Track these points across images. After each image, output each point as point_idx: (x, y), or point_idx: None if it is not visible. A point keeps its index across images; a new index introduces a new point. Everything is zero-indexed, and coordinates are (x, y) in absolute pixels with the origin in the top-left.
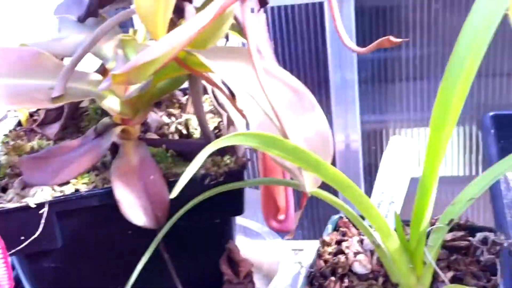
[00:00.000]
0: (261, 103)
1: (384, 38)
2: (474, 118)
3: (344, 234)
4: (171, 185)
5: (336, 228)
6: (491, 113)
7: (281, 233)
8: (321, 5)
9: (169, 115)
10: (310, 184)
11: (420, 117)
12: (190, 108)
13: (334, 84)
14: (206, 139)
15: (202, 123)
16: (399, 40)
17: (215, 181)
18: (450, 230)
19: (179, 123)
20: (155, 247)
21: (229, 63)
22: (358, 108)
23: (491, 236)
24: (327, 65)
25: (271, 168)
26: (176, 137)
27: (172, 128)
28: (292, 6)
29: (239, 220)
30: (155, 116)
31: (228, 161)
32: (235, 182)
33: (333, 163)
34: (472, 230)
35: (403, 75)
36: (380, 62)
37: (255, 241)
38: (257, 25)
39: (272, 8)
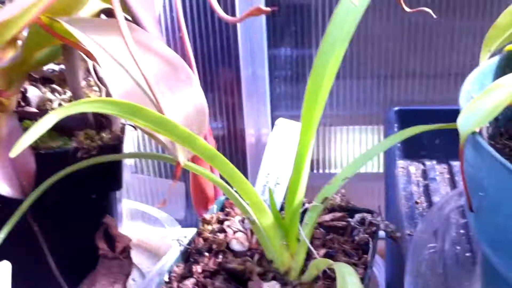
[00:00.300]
0: (133, 74)
1: (254, 7)
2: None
3: (227, 214)
4: (43, 157)
5: (222, 208)
6: (395, 108)
7: None
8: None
9: (53, 91)
10: (182, 155)
11: (329, 114)
12: None
13: (245, 79)
14: (82, 114)
15: (77, 97)
16: (268, 9)
17: (88, 154)
18: (331, 211)
19: (63, 100)
20: (20, 216)
21: (97, 32)
22: (269, 103)
23: (369, 217)
24: (238, 60)
25: (199, 158)
26: None
27: (55, 104)
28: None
29: (138, 206)
30: (36, 91)
31: (103, 135)
32: (107, 155)
33: (244, 156)
34: (353, 211)
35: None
36: (292, 59)
37: (154, 227)
38: (143, 2)
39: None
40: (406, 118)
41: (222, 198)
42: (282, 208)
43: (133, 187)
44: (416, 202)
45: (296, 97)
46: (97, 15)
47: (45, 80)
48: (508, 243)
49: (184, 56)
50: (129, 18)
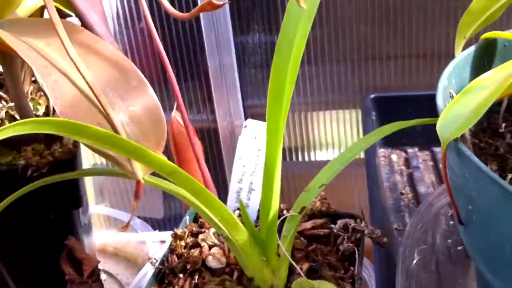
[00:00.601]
0: (77, 82)
1: (205, 1)
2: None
3: (202, 226)
4: None
5: (195, 219)
6: (372, 96)
7: None
8: None
9: (0, 98)
10: (141, 171)
11: (304, 101)
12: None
13: (212, 69)
14: None
15: (20, 105)
16: (220, 3)
17: (39, 172)
18: (311, 217)
19: (11, 108)
20: None
21: (34, 34)
22: (240, 92)
23: (352, 222)
24: (203, 49)
25: (185, 157)
26: (7, 123)
27: (2, 113)
28: None
29: (108, 211)
30: None
31: (54, 150)
32: (59, 174)
33: (219, 149)
34: (334, 217)
35: None
36: (261, 44)
37: (127, 234)
38: None
39: None
40: (383, 105)
41: None
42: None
43: (107, 188)
44: (401, 193)
45: (266, 84)
46: (40, 13)
47: None
48: (505, 263)
49: (154, 53)
50: (73, 15)
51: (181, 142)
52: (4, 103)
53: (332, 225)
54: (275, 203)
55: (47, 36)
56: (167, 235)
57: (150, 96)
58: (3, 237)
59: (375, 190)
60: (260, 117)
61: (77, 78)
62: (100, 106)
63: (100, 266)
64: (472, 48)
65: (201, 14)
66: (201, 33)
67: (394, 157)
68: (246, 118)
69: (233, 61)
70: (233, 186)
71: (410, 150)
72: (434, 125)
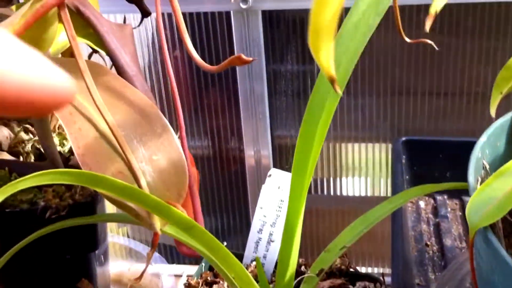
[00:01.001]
0: (100, 127)
1: (234, 56)
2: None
3: (216, 275)
4: (8, 216)
5: (211, 267)
6: (403, 138)
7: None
8: (228, 14)
9: (27, 130)
10: (159, 222)
11: (333, 134)
12: (54, 122)
13: (242, 97)
14: (50, 162)
15: (45, 144)
16: (250, 58)
17: (57, 214)
18: (330, 275)
19: (38, 141)
20: None
21: None
22: (269, 122)
23: (371, 286)
24: (235, 76)
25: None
26: (32, 156)
27: (28, 147)
28: (198, 14)
29: (127, 242)
30: (7, 132)
31: (74, 192)
32: (77, 218)
33: (244, 179)
34: (354, 277)
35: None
36: (293, 75)
37: (141, 265)
38: (121, 37)
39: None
40: (415, 149)
41: None
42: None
43: None
44: (426, 245)
45: (298, 114)
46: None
47: (20, 119)
48: None
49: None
50: (103, 54)
51: None
52: (31, 135)
53: (350, 286)
54: (293, 262)
55: (76, 78)
56: (182, 269)
57: (174, 145)
58: (17, 275)
59: (399, 238)
60: (288, 148)
61: (102, 124)
62: (122, 154)
63: None
64: (509, 115)
65: (234, 40)
66: (233, 54)
67: (421, 203)
68: (273, 149)
69: (264, 90)
70: (252, 236)
71: (439, 197)
72: (465, 173)
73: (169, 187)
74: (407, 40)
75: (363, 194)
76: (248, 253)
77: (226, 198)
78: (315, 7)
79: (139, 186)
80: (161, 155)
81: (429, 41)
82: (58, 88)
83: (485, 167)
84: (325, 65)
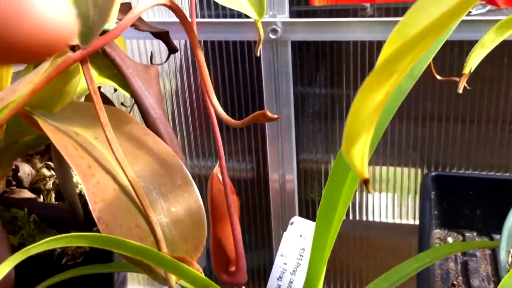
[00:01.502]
0: (120, 179)
1: (260, 112)
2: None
3: None
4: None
5: None
6: (433, 173)
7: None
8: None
9: (49, 168)
10: (173, 277)
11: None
12: None
13: (269, 122)
14: (69, 204)
15: (64, 186)
16: (275, 116)
17: (73, 261)
18: None
19: None
20: None
21: (80, 123)
22: (295, 145)
23: None
24: (262, 98)
25: (220, 214)
26: (53, 194)
27: (50, 184)
28: (227, 42)
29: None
30: (29, 169)
31: None
32: (91, 266)
33: (267, 203)
34: None
35: (344, 113)
36: (321, 98)
37: None
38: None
39: (207, 42)
40: (444, 184)
41: None
42: None
43: None
44: (453, 285)
45: (325, 138)
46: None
47: (44, 153)
48: None
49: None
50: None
51: (218, 200)
52: (53, 172)
53: None
54: None
55: (98, 126)
56: None
57: (194, 197)
58: None
59: (425, 276)
60: (313, 172)
61: (121, 176)
62: (141, 207)
63: None
64: None
65: (261, 60)
66: (261, 81)
67: (449, 240)
68: (298, 173)
69: (291, 113)
70: (271, 284)
71: (468, 234)
72: (496, 209)
73: (187, 239)
74: (438, 77)
75: (389, 220)
76: None
77: (249, 221)
78: (350, 116)
79: (156, 239)
80: (180, 207)
81: (457, 79)
82: (56, 27)
83: None
84: (359, 169)
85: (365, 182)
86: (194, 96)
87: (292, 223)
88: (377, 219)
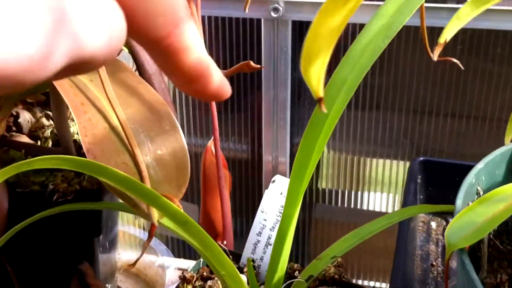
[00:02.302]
0: (111, 120)
1: (243, 62)
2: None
3: (212, 272)
4: (17, 196)
5: None
6: (420, 159)
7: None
8: (259, 21)
9: (48, 117)
10: (156, 214)
11: (352, 147)
12: None
13: (265, 103)
14: (64, 148)
15: (61, 131)
16: (258, 66)
17: (64, 198)
18: (322, 283)
19: None
20: None
21: None
22: (289, 129)
23: None
24: (260, 82)
25: (211, 186)
26: (50, 142)
27: (48, 132)
28: (230, 19)
29: (136, 232)
30: (29, 116)
31: (83, 178)
32: (80, 203)
33: (260, 184)
34: (346, 287)
35: None
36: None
37: (150, 256)
38: None
39: (209, 17)
40: (431, 171)
41: None
42: None
43: None
44: (432, 265)
45: None
46: None
47: (44, 104)
48: None
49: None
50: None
51: (210, 173)
52: (51, 121)
53: None
54: (283, 265)
55: (94, 72)
56: (188, 263)
57: (179, 142)
58: (21, 254)
59: (402, 255)
60: None
61: (112, 117)
62: (129, 146)
63: (119, 285)
64: (511, 145)
65: (262, 47)
66: (260, 61)
67: (433, 224)
68: (292, 156)
69: (287, 97)
70: (251, 237)
71: (451, 220)
72: None
73: (170, 181)
74: (434, 58)
75: (383, 209)
76: (246, 254)
77: (241, 200)
78: (309, 36)
79: (142, 177)
80: (166, 151)
81: (455, 60)
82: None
83: (479, 193)
84: (315, 87)
85: (319, 100)
86: None
87: (274, 181)
88: (371, 208)
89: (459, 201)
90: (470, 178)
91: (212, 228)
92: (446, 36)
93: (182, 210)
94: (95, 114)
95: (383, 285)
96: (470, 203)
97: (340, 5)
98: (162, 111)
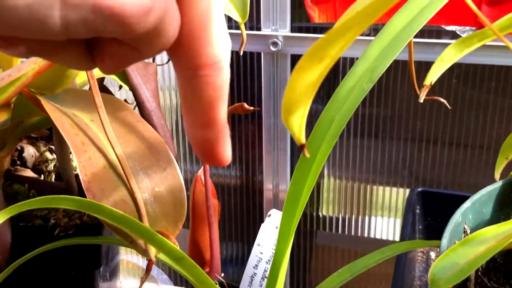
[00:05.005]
0: (109, 156)
1: (238, 104)
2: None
3: None
4: (20, 230)
5: None
6: (419, 189)
7: None
8: (259, 54)
9: (52, 151)
10: (153, 250)
11: (352, 175)
12: None
13: (266, 131)
14: (65, 183)
15: (63, 166)
16: (251, 108)
17: (65, 232)
18: None
19: None
20: None
21: (79, 107)
22: (289, 155)
23: None
24: (261, 108)
25: (200, 215)
26: (53, 175)
27: (51, 166)
28: (231, 52)
29: (137, 260)
30: (32, 151)
31: (83, 214)
32: (80, 238)
33: (261, 211)
34: None
35: (344, 130)
36: (317, 113)
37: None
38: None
39: None
40: (429, 201)
41: None
42: None
43: None
44: None
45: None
46: (100, 81)
47: (48, 139)
48: None
49: None
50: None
51: (199, 201)
52: (55, 156)
53: None
54: None
55: (95, 111)
56: None
57: (176, 179)
58: (22, 286)
59: (399, 286)
60: None
61: (112, 155)
62: (127, 184)
63: None
64: (498, 184)
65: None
66: (261, 91)
67: (432, 254)
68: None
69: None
70: (248, 270)
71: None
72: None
73: (167, 217)
74: (420, 100)
75: (384, 236)
76: (243, 286)
77: (242, 228)
78: (287, 89)
79: (140, 214)
80: (163, 187)
81: (442, 100)
82: None
83: (466, 232)
84: (296, 134)
85: (302, 146)
86: None
87: (270, 215)
88: (371, 235)
89: (444, 240)
90: (457, 217)
91: (200, 255)
92: (431, 78)
93: (178, 247)
94: (95, 153)
95: None
96: (457, 241)
97: (315, 62)
98: (160, 149)
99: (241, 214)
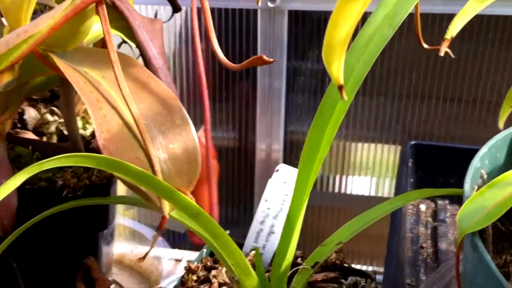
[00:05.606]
0: (124, 114)
1: (256, 56)
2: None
3: (216, 261)
4: (26, 192)
5: (212, 253)
6: (412, 142)
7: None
8: (255, 12)
9: (53, 113)
10: (167, 207)
11: (345, 132)
12: (79, 107)
13: (260, 91)
14: (72, 144)
15: (69, 127)
16: (271, 59)
17: (73, 193)
18: (324, 269)
19: (61, 123)
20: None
21: (92, 65)
22: (283, 117)
23: (362, 282)
24: (256, 71)
25: (200, 176)
26: (55, 137)
27: (52, 128)
28: (226, 10)
29: (133, 225)
30: (34, 113)
31: (92, 173)
32: (91, 198)
33: (252, 171)
34: (347, 271)
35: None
36: (312, 73)
37: (145, 247)
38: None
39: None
40: (422, 154)
41: None
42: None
43: None
44: (421, 247)
45: (313, 112)
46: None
47: (48, 101)
48: None
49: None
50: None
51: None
52: (56, 117)
53: (343, 280)
54: (291, 254)
55: (105, 68)
56: (183, 254)
57: (190, 136)
58: (28, 250)
59: (395, 238)
60: (299, 144)
61: (125, 112)
62: (142, 141)
63: (114, 277)
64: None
65: (258, 37)
66: (256, 50)
67: (422, 207)
68: (285, 144)
69: (282, 85)
70: (254, 226)
71: (440, 202)
72: None
73: (181, 175)
74: (425, 46)
75: (371, 193)
76: (249, 242)
77: (233, 188)
78: (330, 26)
79: (154, 171)
80: (177, 145)
81: (447, 50)
82: None
83: (483, 177)
84: (335, 75)
85: (340, 88)
86: (191, 65)
87: (278, 170)
88: (357, 193)
89: (467, 185)
90: (476, 162)
91: None
92: (452, 32)
93: (194, 202)
94: (109, 111)
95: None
96: (476, 187)
97: None
98: (173, 106)
99: (233, 175)
